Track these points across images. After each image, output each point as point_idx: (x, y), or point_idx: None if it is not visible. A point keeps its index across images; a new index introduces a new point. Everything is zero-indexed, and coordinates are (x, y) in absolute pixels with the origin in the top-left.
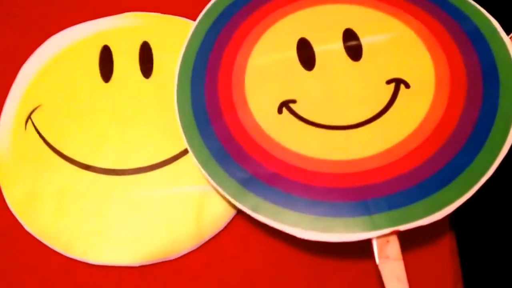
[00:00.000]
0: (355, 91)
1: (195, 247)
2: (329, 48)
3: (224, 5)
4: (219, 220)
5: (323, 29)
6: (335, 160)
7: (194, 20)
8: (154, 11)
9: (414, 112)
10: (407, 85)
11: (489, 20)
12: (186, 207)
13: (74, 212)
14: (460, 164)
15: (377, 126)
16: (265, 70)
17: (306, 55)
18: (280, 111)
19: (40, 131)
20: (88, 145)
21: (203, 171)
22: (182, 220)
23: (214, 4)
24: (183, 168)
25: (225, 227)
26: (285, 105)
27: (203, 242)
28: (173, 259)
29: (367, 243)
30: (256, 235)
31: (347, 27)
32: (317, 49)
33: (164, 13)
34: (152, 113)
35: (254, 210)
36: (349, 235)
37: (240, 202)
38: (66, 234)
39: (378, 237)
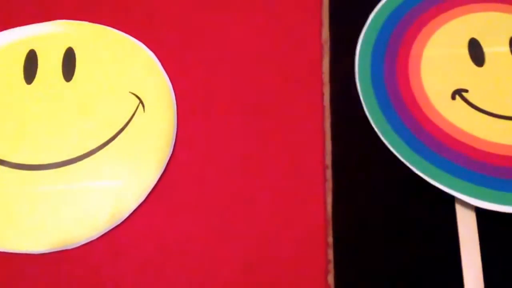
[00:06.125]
0: None
1: (93, 238)
2: (497, 50)
3: (397, 3)
4: (118, 213)
5: (491, 33)
6: (495, 142)
7: (123, 31)
8: (85, 20)
9: None
10: None
11: None
12: (90, 200)
13: None
14: None
15: None
16: (439, 61)
17: (476, 53)
18: (453, 97)
19: None
20: (4, 140)
21: (381, 135)
22: (85, 212)
23: (388, 2)
24: (91, 165)
25: (124, 221)
26: (458, 93)
27: (101, 234)
28: (72, 248)
29: None
30: (152, 231)
31: None
32: (486, 49)
33: (94, 22)
34: (69, 113)
35: (419, 169)
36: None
37: (408, 161)
38: None
39: None
